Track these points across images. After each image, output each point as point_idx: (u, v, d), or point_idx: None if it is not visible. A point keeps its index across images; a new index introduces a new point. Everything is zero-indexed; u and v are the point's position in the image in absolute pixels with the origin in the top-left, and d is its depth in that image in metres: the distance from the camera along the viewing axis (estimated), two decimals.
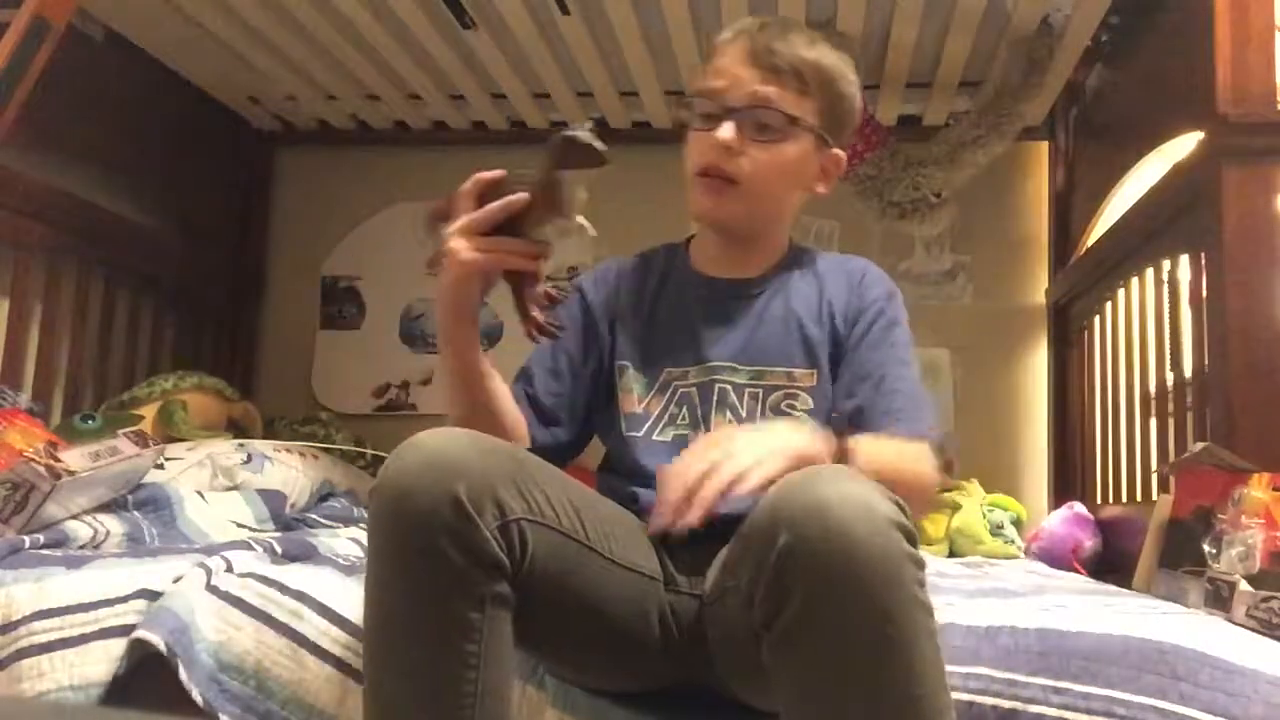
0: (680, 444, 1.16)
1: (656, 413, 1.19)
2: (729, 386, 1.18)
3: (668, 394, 1.19)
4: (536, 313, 1.05)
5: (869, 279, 1.23)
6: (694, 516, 0.88)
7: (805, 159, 1.18)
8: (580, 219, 1.00)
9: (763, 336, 1.19)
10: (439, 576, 0.86)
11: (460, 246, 1.02)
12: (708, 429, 1.16)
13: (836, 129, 1.20)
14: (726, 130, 1.13)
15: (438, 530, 0.85)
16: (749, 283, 1.23)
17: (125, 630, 1.20)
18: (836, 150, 1.21)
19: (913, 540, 0.82)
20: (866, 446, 1.00)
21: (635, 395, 1.20)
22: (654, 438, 1.18)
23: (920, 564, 0.81)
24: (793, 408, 1.17)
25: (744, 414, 1.17)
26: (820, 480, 0.83)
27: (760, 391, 1.17)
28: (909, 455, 1.08)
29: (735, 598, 0.88)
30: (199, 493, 1.77)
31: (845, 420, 1.17)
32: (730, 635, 0.96)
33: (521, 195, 1.00)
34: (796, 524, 0.80)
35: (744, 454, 0.90)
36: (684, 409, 1.18)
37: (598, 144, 0.95)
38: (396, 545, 0.87)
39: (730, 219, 1.20)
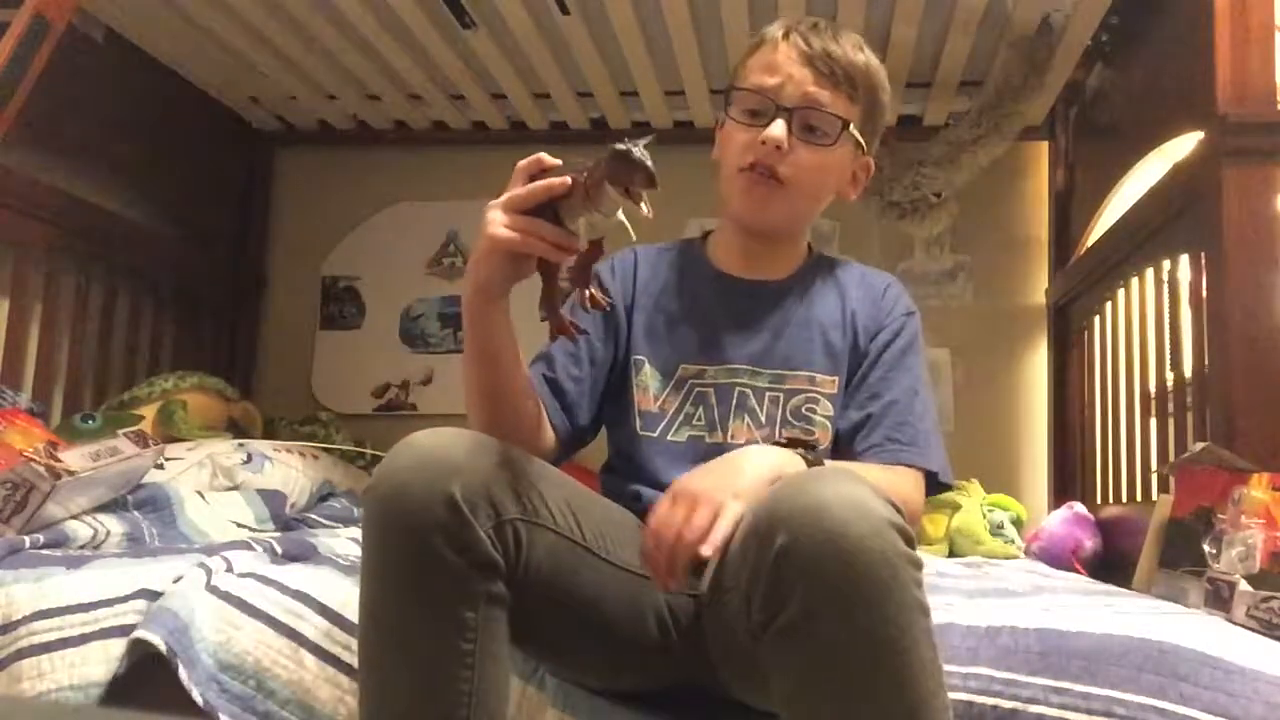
0: (695, 445, 1.16)
1: (671, 412, 1.18)
2: (749, 390, 1.17)
3: (683, 392, 1.18)
4: (562, 310, 1.01)
5: (891, 295, 1.24)
6: (676, 587, 0.93)
7: (845, 164, 1.19)
8: (621, 217, 0.95)
9: (785, 340, 1.19)
10: (434, 575, 0.86)
11: (494, 219, 0.97)
12: (724, 433, 1.16)
13: (871, 135, 1.21)
14: (779, 128, 1.12)
15: (432, 529, 0.85)
16: (772, 284, 1.23)
17: (125, 630, 1.20)
18: (868, 157, 1.22)
19: (910, 541, 0.82)
20: (836, 466, 1.00)
21: (651, 392, 1.19)
22: (669, 438, 1.17)
23: (918, 565, 0.82)
24: (813, 412, 1.17)
25: (763, 419, 1.16)
26: (818, 481, 0.83)
27: (781, 395, 1.17)
28: (891, 482, 1.08)
29: (734, 598, 0.88)
30: (199, 493, 1.77)
31: (848, 431, 1.17)
32: (729, 635, 0.95)
33: (564, 179, 0.95)
34: (794, 525, 0.80)
35: (703, 510, 0.91)
36: (700, 409, 1.18)
37: (649, 164, 0.89)
38: (391, 544, 0.87)
39: (773, 219, 1.20)
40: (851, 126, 1.16)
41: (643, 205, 0.91)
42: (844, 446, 1.18)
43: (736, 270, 1.24)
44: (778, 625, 0.81)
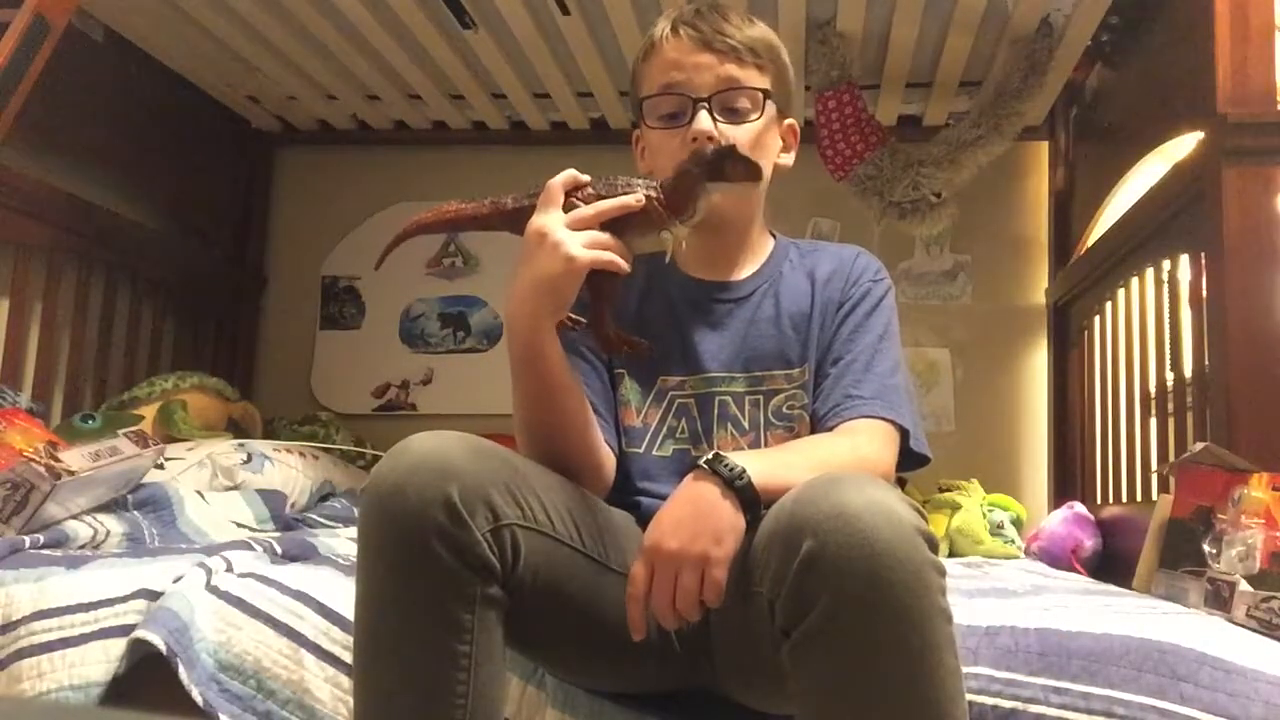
0: (681, 458, 1.13)
1: (654, 425, 1.15)
2: (729, 397, 1.15)
3: (664, 404, 1.15)
4: (613, 328, 1.01)
5: (859, 265, 1.19)
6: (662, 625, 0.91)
7: (772, 133, 1.17)
8: (665, 235, 0.98)
9: (757, 339, 1.16)
10: (430, 576, 0.86)
11: (571, 240, 0.95)
12: (709, 444, 1.13)
13: (787, 99, 1.20)
14: (704, 120, 1.10)
15: (429, 531, 0.85)
16: (739, 284, 1.19)
17: (125, 630, 1.20)
18: (790, 120, 1.20)
19: (934, 547, 0.82)
20: (756, 468, 0.93)
21: (632, 406, 1.16)
22: (654, 453, 1.15)
23: (941, 571, 0.81)
24: (794, 408, 1.14)
25: (746, 424, 1.14)
26: (842, 486, 0.82)
27: (761, 398, 1.14)
28: (855, 447, 1.05)
29: (748, 602, 0.88)
30: (199, 493, 1.77)
31: (815, 401, 1.13)
32: (737, 639, 0.95)
33: (638, 197, 0.96)
34: (821, 530, 0.79)
35: (688, 575, 0.88)
36: (682, 421, 1.15)
37: (756, 160, 0.96)
38: (387, 545, 0.87)
39: (729, 210, 1.15)
40: (768, 94, 1.14)
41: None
42: (814, 420, 1.13)
43: (703, 273, 1.20)
44: (802, 630, 0.81)
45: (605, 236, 0.97)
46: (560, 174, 1.00)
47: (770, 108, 1.15)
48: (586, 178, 1.00)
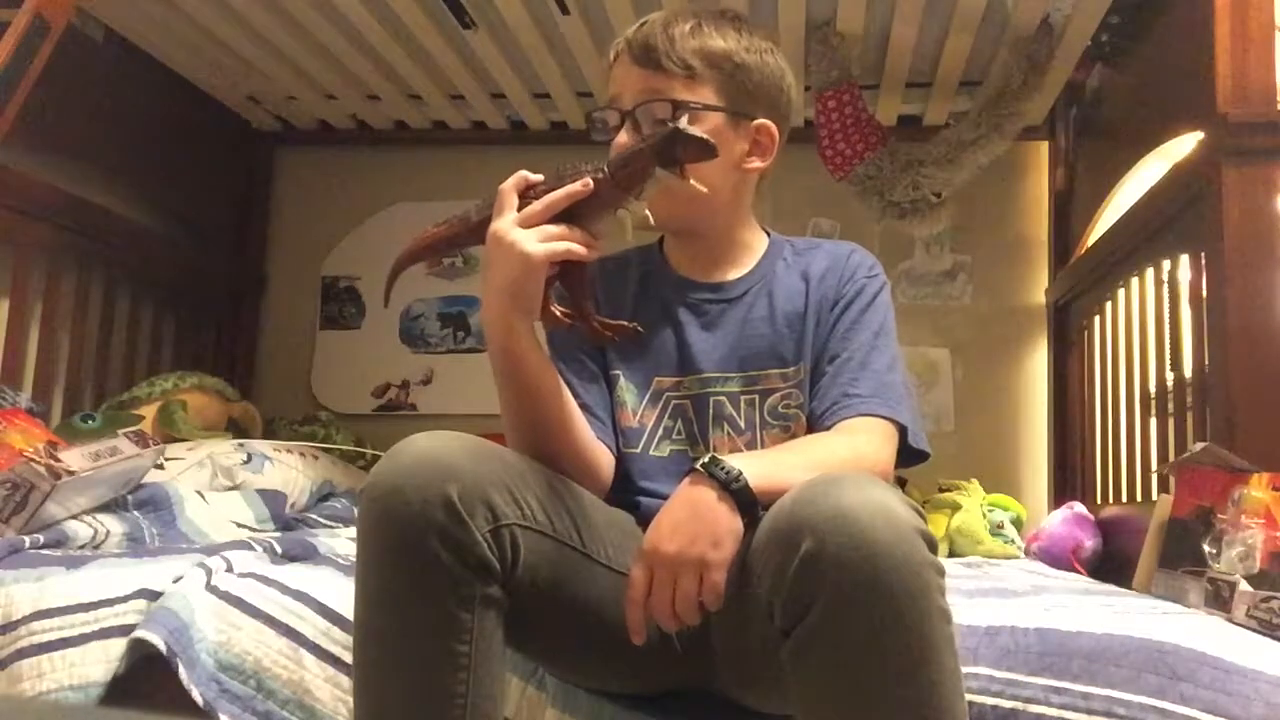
0: (679, 459, 1.13)
1: (651, 426, 1.15)
2: (724, 398, 1.14)
3: (660, 405, 1.15)
4: (595, 317, 1.02)
5: (853, 262, 1.18)
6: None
7: (722, 138, 1.08)
8: (620, 214, 0.98)
9: (751, 339, 1.15)
10: (429, 576, 0.86)
11: (521, 239, 0.96)
12: (706, 445, 1.13)
13: (749, 100, 1.15)
14: (622, 134, 1.13)
15: (429, 530, 0.85)
16: (731, 284, 1.19)
17: (125, 630, 1.20)
18: (761, 120, 1.15)
19: (933, 547, 0.82)
20: (753, 469, 0.93)
21: (628, 407, 1.16)
22: (651, 453, 1.15)
23: (941, 572, 0.81)
24: (789, 407, 1.14)
25: (743, 424, 1.13)
26: (841, 486, 0.82)
27: (756, 397, 1.14)
28: (853, 446, 1.05)
29: (748, 602, 0.88)
30: (199, 493, 1.77)
31: (813, 400, 1.13)
32: (737, 640, 0.95)
33: (585, 181, 0.97)
34: (819, 531, 0.79)
35: (687, 579, 0.89)
36: (678, 422, 1.15)
37: (703, 135, 0.95)
38: (387, 544, 0.88)
39: (675, 218, 1.15)
40: (692, 104, 1.11)
41: (693, 181, 0.96)
42: (811, 419, 1.13)
43: (695, 274, 1.20)
44: (801, 631, 0.81)
45: (559, 228, 0.97)
46: (510, 178, 1.00)
47: (703, 116, 1.11)
48: (538, 177, 1.00)
